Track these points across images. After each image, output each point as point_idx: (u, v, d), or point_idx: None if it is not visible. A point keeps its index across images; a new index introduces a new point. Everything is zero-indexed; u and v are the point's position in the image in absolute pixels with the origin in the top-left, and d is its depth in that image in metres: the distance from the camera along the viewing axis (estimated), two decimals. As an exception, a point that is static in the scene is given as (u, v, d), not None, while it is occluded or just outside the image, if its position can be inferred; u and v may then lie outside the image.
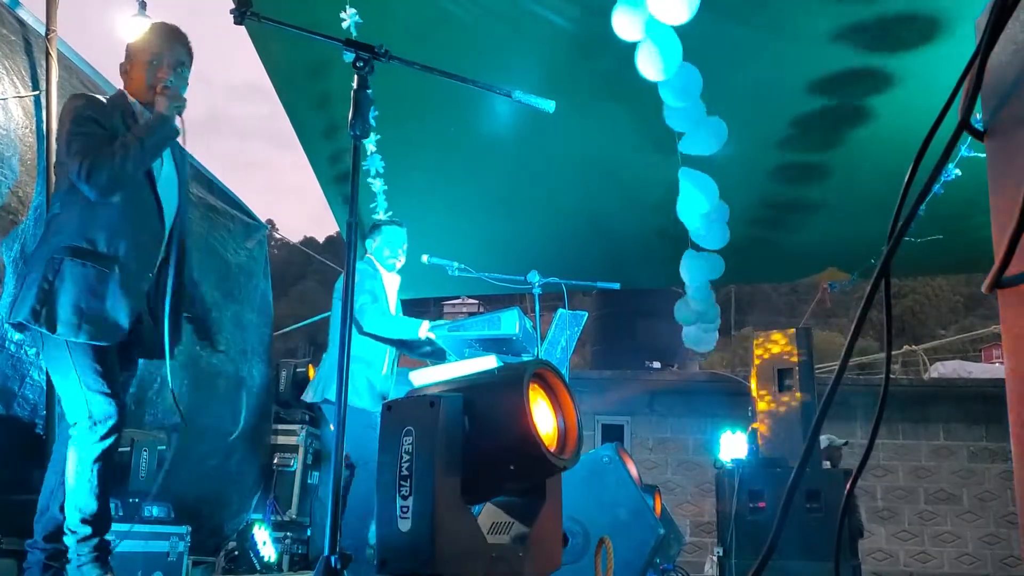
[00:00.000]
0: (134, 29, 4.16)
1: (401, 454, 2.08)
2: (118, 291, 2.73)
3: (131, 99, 2.89)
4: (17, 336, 3.38)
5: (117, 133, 2.76)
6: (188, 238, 3.07)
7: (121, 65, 2.96)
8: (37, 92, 3.62)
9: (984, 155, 1.01)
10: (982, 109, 1.01)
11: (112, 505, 3.25)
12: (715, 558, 5.40)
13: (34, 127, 3.59)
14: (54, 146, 3.62)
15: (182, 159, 3.07)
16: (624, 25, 4.09)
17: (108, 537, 2.78)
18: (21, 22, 3.67)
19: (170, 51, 2.90)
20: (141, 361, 3.04)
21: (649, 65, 4.18)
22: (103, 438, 2.68)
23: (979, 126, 1.01)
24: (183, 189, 3.03)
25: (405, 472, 2.06)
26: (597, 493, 4.11)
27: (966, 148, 4.83)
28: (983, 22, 0.96)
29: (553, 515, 2.39)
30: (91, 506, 2.68)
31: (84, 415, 2.67)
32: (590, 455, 4.28)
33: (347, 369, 2.10)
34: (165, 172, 2.94)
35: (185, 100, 2.85)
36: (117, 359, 2.82)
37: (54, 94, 3.65)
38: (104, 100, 2.87)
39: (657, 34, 4.10)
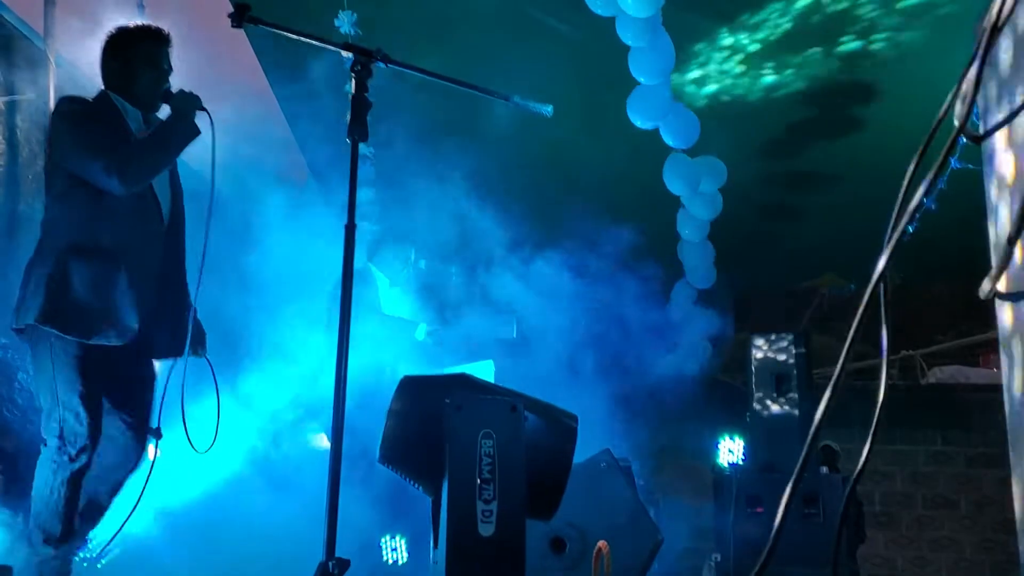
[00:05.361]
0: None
1: (480, 456, 2.07)
2: (126, 290, 2.66)
3: (116, 98, 2.81)
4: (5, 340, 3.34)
5: (114, 131, 2.71)
6: (183, 233, 2.98)
7: (108, 65, 2.85)
8: (32, 96, 3.57)
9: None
10: (979, 113, 1.00)
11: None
12: (713, 563, 5.39)
13: (5, 132, 3.49)
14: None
15: None
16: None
17: (80, 555, 2.71)
18: (1, 22, 3.55)
19: (165, 53, 2.85)
20: (158, 364, 2.93)
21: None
22: (72, 460, 2.57)
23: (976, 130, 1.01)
24: (174, 180, 2.96)
25: (487, 476, 2.06)
26: (594, 498, 4.09)
27: (955, 160, 4.81)
28: (981, 26, 0.96)
29: None
30: (55, 528, 2.56)
31: (55, 433, 2.57)
32: (587, 460, 4.26)
33: (345, 373, 2.10)
34: None
35: (199, 97, 2.79)
36: (125, 363, 2.72)
37: (51, 97, 3.61)
38: (91, 100, 2.81)
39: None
